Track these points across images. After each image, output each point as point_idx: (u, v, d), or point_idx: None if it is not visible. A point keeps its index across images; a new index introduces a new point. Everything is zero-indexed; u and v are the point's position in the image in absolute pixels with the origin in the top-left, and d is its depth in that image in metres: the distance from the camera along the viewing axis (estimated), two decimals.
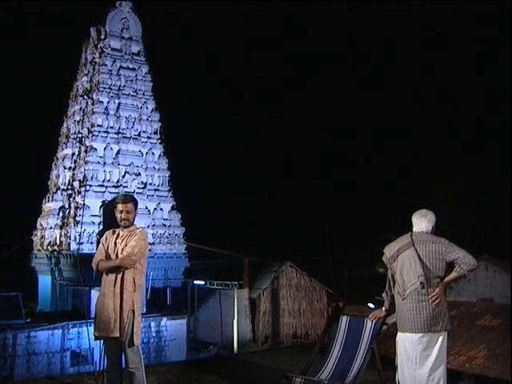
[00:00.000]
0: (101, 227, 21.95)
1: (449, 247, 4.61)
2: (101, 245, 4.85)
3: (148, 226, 23.02)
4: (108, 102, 23.88)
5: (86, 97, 24.66)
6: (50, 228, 24.06)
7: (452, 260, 4.59)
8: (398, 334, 4.72)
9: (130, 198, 4.94)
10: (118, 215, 4.81)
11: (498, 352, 6.39)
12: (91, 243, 21.67)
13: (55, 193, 24.58)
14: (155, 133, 24.92)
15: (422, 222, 4.80)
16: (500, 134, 33.07)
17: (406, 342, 4.62)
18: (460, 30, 49.22)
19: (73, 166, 24.24)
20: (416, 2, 44.38)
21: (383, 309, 5.03)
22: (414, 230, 4.84)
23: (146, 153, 24.38)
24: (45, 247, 24.12)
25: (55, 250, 23.25)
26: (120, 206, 4.81)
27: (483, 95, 42.65)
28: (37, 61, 48.19)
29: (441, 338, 4.61)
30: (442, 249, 4.61)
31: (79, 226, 21.88)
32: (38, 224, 25.23)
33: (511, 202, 24.38)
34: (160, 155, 24.82)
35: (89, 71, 25.13)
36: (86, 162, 23.08)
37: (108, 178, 23.27)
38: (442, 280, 4.62)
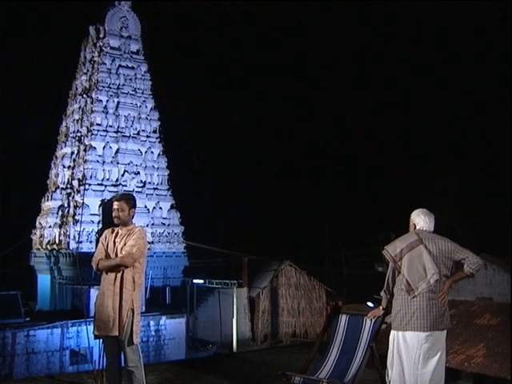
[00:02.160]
0: (100, 226, 21.93)
1: (456, 246, 4.65)
2: (100, 243, 4.85)
3: (147, 225, 23.01)
4: (107, 101, 23.86)
5: (85, 95, 24.65)
6: (49, 227, 24.05)
7: (460, 259, 4.60)
8: (397, 333, 4.66)
9: (122, 197, 4.97)
10: (112, 213, 4.85)
11: (496, 351, 6.39)
12: (90, 242, 21.67)
13: (54, 192, 24.57)
14: (154, 132, 24.92)
15: (429, 220, 4.81)
16: (500, 134, 33.10)
17: (410, 341, 4.56)
18: (460, 30, 49.24)
19: (72, 164, 24.22)
20: (416, 2, 44.37)
21: (381, 307, 5.03)
22: (417, 228, 4.81)
23: (145, 152, 24.37)
24: (44, 246, 24.11)
25: (54, 249, 23.25)
26: (113, 204, 4.85)
27: (483, 94, 42.67)
28: (36, 60, 48.18)
29: (444, 336, 4.63)
30: (451, 248, 4.63)
31: (78, 224, 21.88)
32: (37, 223, 25.22)
33: (511, 201, 24.39)
34: (159, 154, 24.81)
35: (88, 70, 25.12)
36: (85, 161, 23.07)
37: (107, 177, 23.26)
38: (447, 278, 4.63)
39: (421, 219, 4.81)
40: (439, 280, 4.58)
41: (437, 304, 4.57)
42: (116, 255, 4.72)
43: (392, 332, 4.71)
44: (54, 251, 23.20)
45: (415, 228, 4.83)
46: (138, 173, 23.93)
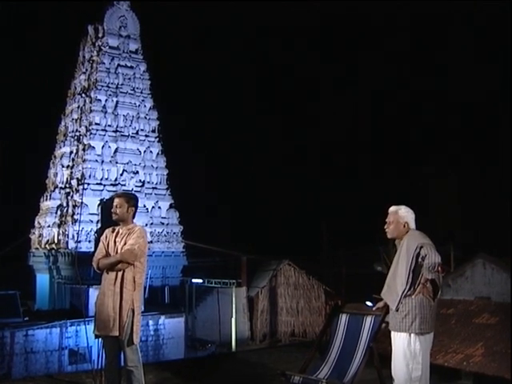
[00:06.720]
0: (99, 225, 21.95)
1: None
2: (101, 243, 4.86)
3: (146, 225, 22.98)
4: (106, 101, 23.84)
5: (83, 95, 24.62)
6: (48, 226, 24.03)
7: None
8: (428, 336, 4.56)
9: (123, 194, 5.08)
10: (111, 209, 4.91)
11: (495, 350, 6.41)
12: (89, 241, 21.67)
13: (53, 191, 24.55)
14: (153, 131, 24.90)
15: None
16: (500, 133, 33.14)
17: (430, 341, 4.60)
18: (460, 29, 49.27)
19: (71, 164, 24.20)
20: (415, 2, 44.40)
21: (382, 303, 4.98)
22: (411, 228, 4.64)
23: (144, 151, 24.35)
24: (43, 245, 24.10)
25: (53, 249, 23.23)
26: (114, 200, 4.90)
27: (483, 93, 42.73)
28: (34, 59, 48.12)
29: None
30: None
31: (77, 224, 21.86)
32: (36, 222, 25.19)
33: (511, 201, 24.43)
34: (158, 153, 24.80)
35: (86, 69, 25.10)
36: (84, 161, 23.05)
37: (106, 177, 23.24)
38: None
39: (412, 219, 4.66)
40: None
41: None
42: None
43: (420, 336, 4.49)
44: (53, 251, 23.18)
45: (407, 227, 4.62)
46: (137, 172, 23.92)
